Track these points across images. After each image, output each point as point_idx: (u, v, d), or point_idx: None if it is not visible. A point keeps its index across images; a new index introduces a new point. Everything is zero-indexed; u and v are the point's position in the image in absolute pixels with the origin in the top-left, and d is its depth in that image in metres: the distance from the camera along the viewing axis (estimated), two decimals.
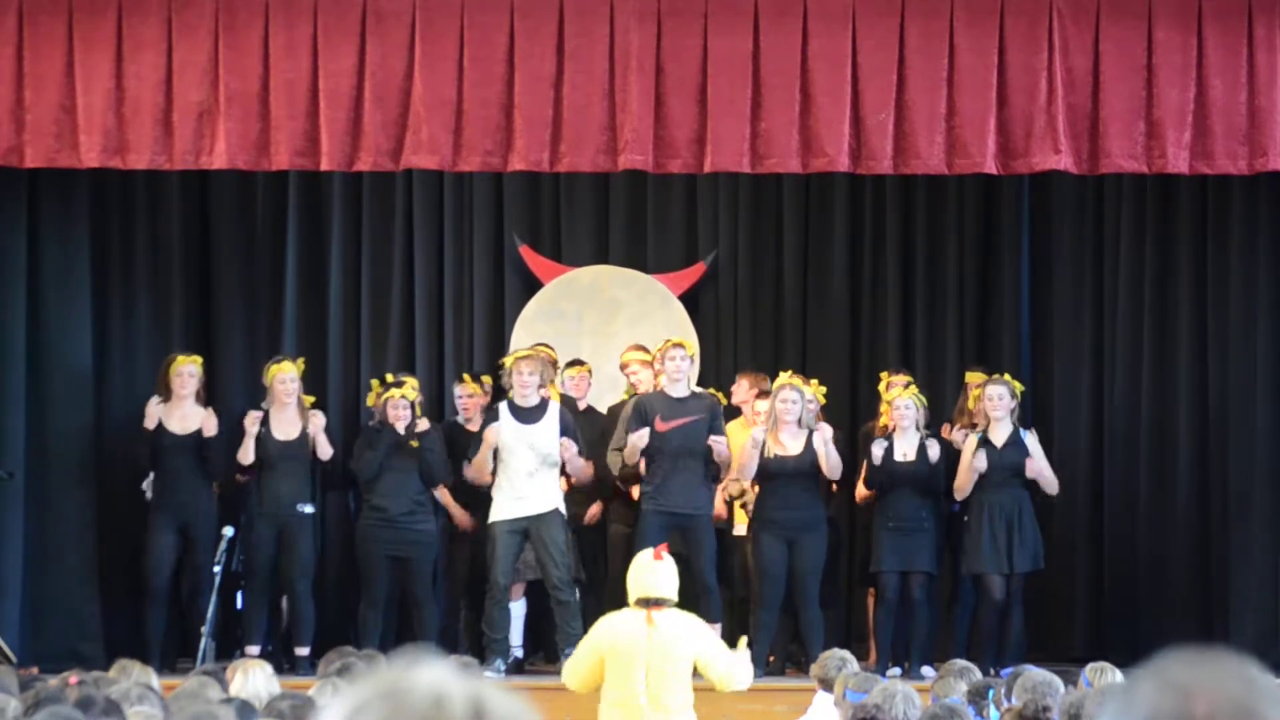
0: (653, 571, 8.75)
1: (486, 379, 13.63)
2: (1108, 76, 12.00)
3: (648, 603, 8.70)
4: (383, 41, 12.08)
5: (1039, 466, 12.88)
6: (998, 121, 12.03)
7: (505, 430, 12.56)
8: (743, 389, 13.45)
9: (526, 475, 12.50)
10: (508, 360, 12.83)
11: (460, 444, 13.16)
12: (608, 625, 8.90)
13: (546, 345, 13.41)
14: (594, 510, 13.21)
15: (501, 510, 12.56)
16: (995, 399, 12.87)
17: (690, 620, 8.90)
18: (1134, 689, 2.21)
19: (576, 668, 8.98)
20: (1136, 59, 12.03)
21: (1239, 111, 11.97)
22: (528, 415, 12.59)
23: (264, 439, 12.89)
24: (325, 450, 12.90)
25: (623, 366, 13.36)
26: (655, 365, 13.12)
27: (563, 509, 12.60)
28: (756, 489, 12.87)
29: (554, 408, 12.67)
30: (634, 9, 12.09)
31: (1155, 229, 13.71)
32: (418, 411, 13.07)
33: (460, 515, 13.19)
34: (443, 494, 13.15)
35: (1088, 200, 14.02)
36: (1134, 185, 13.62)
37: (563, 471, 12.76)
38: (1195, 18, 11.99)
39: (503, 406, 12.67)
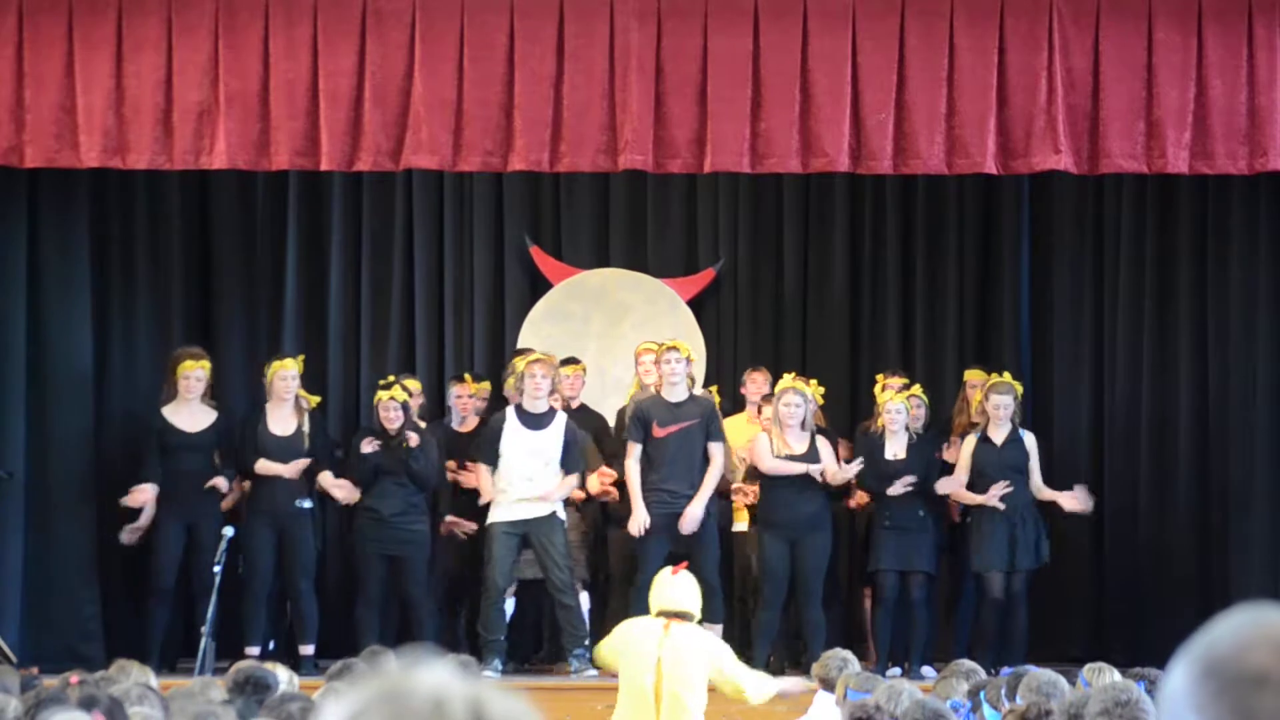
0: (671, 585, 9.13)
1: (483, 384, 13.60)
2: (1108, 76, 12.00)
3: (668, 614, 9.01)
4: (383, 41, 12.08)
5: (1034, 467, 12.92)
6: (998, 121, 12.03)
7: (509, 434, 12.55)
8: (763, 386, 13.36)
9: (526, 480, 12.49)
10: (519, 363, 12.78)
11: (453, 447, 13.17)
12: (628, 627, 9.34)
13: (527, 350, 13.28)
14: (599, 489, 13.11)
15: (500, 513, 12.55)
16: (1001, 409, 12.88)
17: (707, 636, 9.11)
18: None
19: (606, 647, 9.50)
20: (1136, 59, 12.02)
21: (1239, 111, 11.97)
22: (535, 421, 12.56)
23: (262, 436, 12.91)
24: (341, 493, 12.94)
25: (637, 356, 13.30)
26: (639, 366, 13.18)
27: (561, 513, 12.58)
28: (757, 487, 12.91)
29: (561, 418, 12.65)
30: (634, 9, 12.09)
31: (1155, 229, 13.70)
32: (416, 411, 13.07)
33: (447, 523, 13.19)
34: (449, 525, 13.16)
35: (1088, 200, 14.01)
36: (1134, 185, 13.61)
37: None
38: (1195, 18, 11.99)
39: (510, 411, 12.65)
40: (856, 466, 12.75)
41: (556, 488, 12.56)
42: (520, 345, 13.88)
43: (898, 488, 12.72)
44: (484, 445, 12.68)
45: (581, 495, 12.95)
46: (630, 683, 8.89)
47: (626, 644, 9.03)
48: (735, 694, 9.21)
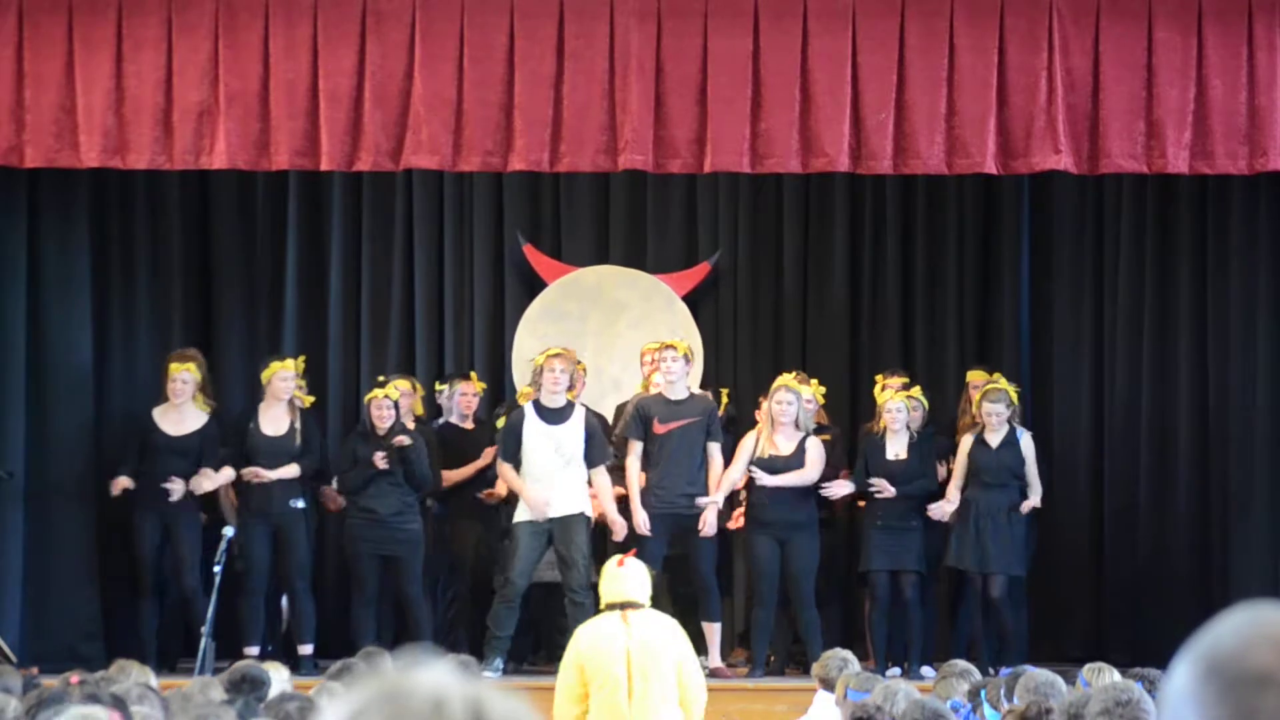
0: (620, 578, 8.76)
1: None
2: (1108, 76, 12.01)
3: (617, 606, 8.72)
4: (383, 41, 12.09)
5: (1029, 470, 12.91)
6: (998, 121, 12.03)
7: (529, 431, 12.53)
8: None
9: (549, 476, 12.43)
10: (539, 358, 12.76)
11: (453, 445, 13.18)
12: (584, 632, 8.88)
13: (567, 349, 13.31)
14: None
15: (526, 511, 12.53)
16: (994, 416, 12.86)
17: (668, 620, 8.93)
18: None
19: (563, 692, 8.77)
20: (1136, 59, 12.03)
21: (1239, 111, 11.97)
22: (554, 416, 12.53)
23: (253, 435, 12.91)
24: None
25: (643, 355, 13.30)
26: (645, 366, 13.15)
27: (589, 512, 12.55)
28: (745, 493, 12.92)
29: (580, 410, 12.63)
30: (634, 9, 12.10)
31: (1155, 229, 13.70)
32: (418, 409, 13.06)
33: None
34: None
35: (1088, 200, 14.02)
36: (1134, 185, 13.62)
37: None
38: (1195, 18, 11.99)
39: (528, 407, 12.63)
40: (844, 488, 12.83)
41: (603, 494, 12.52)
42: (517, 345, 13.88)
43: (883, 487, 12.71)
44: (506, 444, 12.61)
45: (621, 491, 12.85)
46: (601, 677, 8.64)
47: (592, 646, 8.65)
48: (686, 693, 8.74)
